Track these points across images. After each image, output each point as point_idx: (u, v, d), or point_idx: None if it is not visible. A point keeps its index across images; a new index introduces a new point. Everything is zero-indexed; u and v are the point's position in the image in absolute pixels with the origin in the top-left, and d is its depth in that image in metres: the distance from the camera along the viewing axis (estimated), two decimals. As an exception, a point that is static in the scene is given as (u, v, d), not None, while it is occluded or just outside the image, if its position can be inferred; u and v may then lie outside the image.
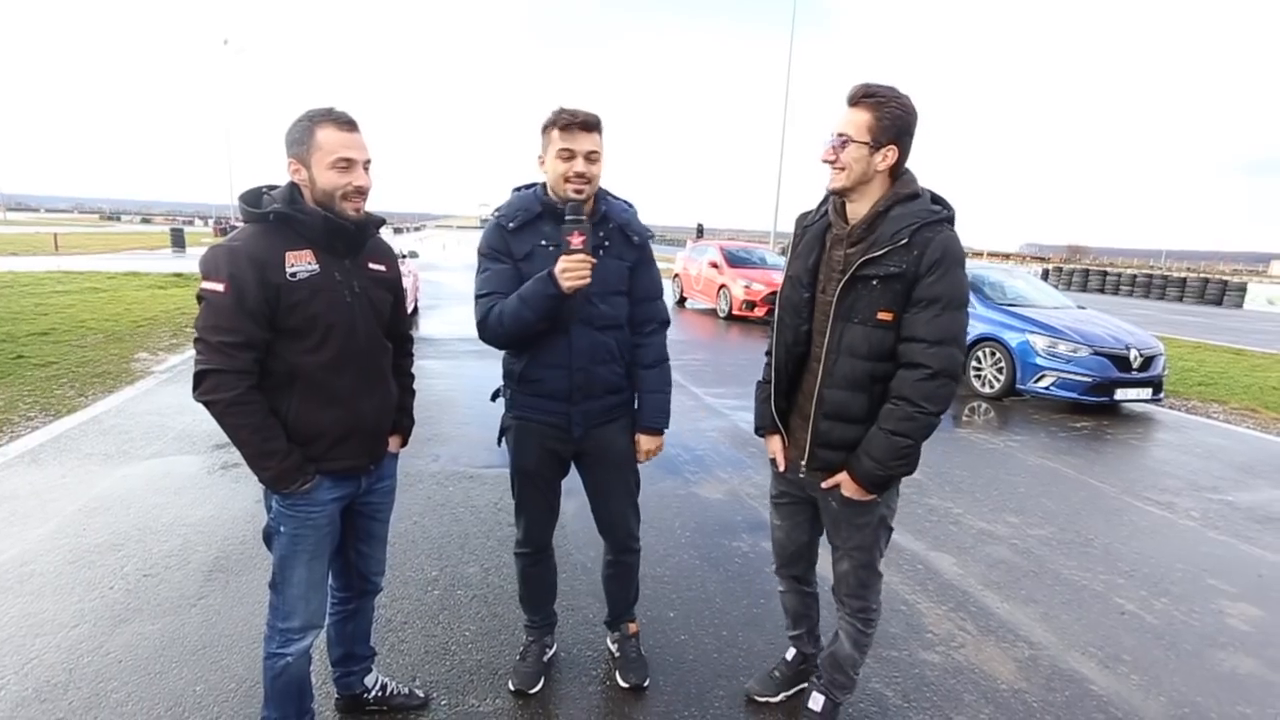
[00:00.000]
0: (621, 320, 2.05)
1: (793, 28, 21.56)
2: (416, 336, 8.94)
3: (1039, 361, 6.73)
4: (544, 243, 1.93)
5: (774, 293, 10.11)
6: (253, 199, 1.66)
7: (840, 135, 1.70)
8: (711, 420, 5.65)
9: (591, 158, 1.87)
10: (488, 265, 1.98)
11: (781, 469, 2.02)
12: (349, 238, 1.69)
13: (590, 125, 1.85)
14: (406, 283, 9.00)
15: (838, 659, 2.08)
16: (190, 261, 20.39)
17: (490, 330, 1.95)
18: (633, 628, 2.41)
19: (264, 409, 1.59)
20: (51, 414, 5.01)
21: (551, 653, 2.40)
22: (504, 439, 2.18)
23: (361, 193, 1.67)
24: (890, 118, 1.67)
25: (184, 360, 7.01)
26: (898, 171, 1.75)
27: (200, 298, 1.55)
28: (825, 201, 1.88)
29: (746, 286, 11.98)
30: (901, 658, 2.54)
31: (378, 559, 2.01)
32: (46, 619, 2.52)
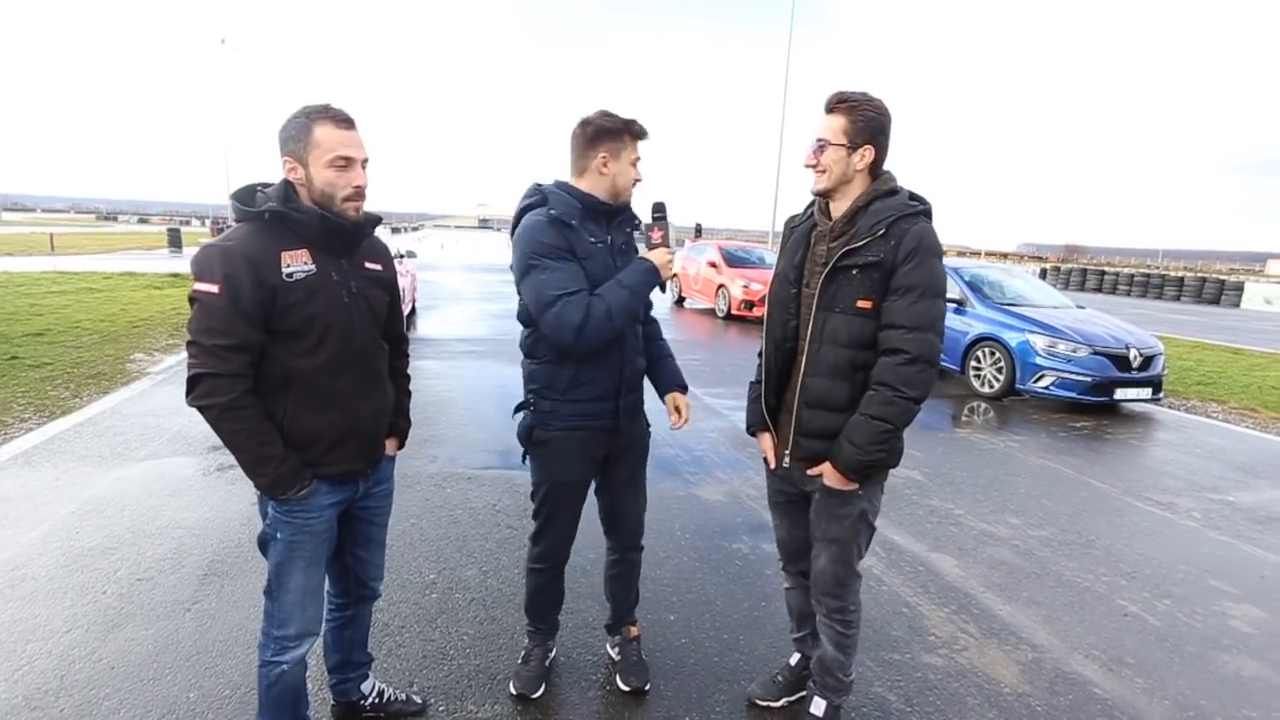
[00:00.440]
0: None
1: (791, 26, 21.54)
2: (414, 337, 8.94)
3: (1039, 361, 6.72)
4: (593, 240, 1.96)
5: (772, 292, 9.86)
6: (246, 197, 1.62)
7: (819, 140, 1.82)
8: (711, 421, 5.62)
9: None
10: (554, 264, 1.86)
11: (772, 466, 2.06)
12: (346, 236, 1.66)
13: (647, 136, 2.01)
14: (404, 283, 8.99)
15: (824, 662, 2.08)
16: (187, 262, 20.30)
17: (596, 329, 1.84)
18: (634, 631, 2.38)
19: (260, 413, 1.56)
20: (45, 415, 4.97)
21: (552, 656, 2.37)
22: (533, 456, 2.09)
23: (361, 193, 1.65)
24: (864, 119, 1.78)
25: (180, 361, 6.96)
26: (877, 171, 1.84)
27: (193, 299, 1.51)
28: (812, 204, 1.97)
29: (745, 286, 11.96)
30: (904, 661, 2.52)
31: (376, 564, 1.98)
32: (38, 624, 2.48)
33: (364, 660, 2.08)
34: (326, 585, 1.87)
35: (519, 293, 1.97)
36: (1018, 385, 6.85)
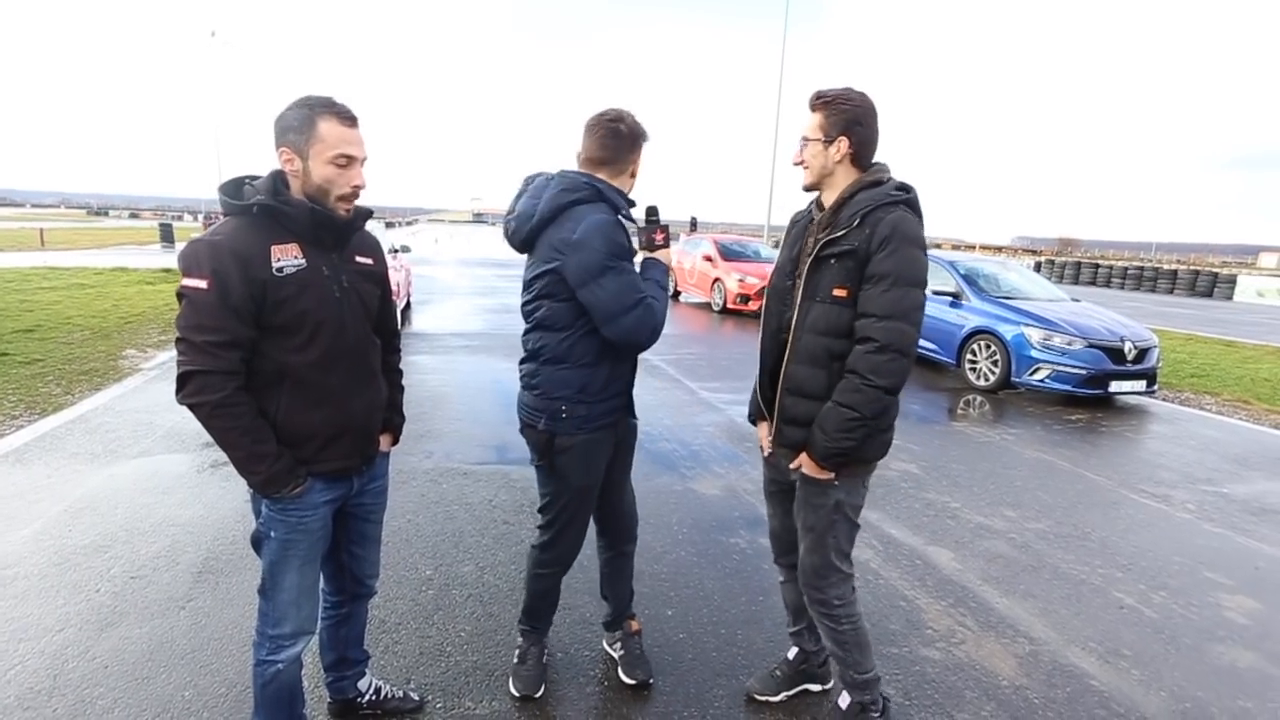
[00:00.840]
0: None
1: (786, 21, 21.47)
2: (409, 332, 8.90)
3: (1034, 354, 6.73)
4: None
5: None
6: (233, 190, 1.59)
7: (802, 138, 1.88)
8: (707, 415, 5.61)
9: None
10: (629, 267, 1.88)
11: (766, 454, 2.09)
12: (336, 230, 1.63)
13: None
14: (399, 278, 8.93)
15: (832, 655, 2.07)
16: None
17: (661, 328, 1.92)
18: (634, 625, 2.38)
19: (252, 410, 1.53)
20: (37, 412, 4.93)
21: (547, 653, 2.36)
22: (553, 466, 2.02)
23: (358, 194, 1.62)
24: (837, 113, 1.81)
25: (173, 357, 6.90)
26: (863, 163, 1.86)
27: (181, 295, 1.48)
28: (815, 199, 2.01)
29: (741, 280, 11.95)
30: (902, 654, 2.52)
31: (371, 561, 1.96)
32: (30, 623, 2.46)
33: (360, 658, 2.07)
34: (321, 583, 1.86)
35: (570, 296, 1.86)
36: (1013, 378, 6.86)
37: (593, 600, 2.70)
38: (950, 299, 7.66)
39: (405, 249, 11.08)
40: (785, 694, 2.24)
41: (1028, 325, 6.88)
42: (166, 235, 27.44)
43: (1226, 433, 6.10)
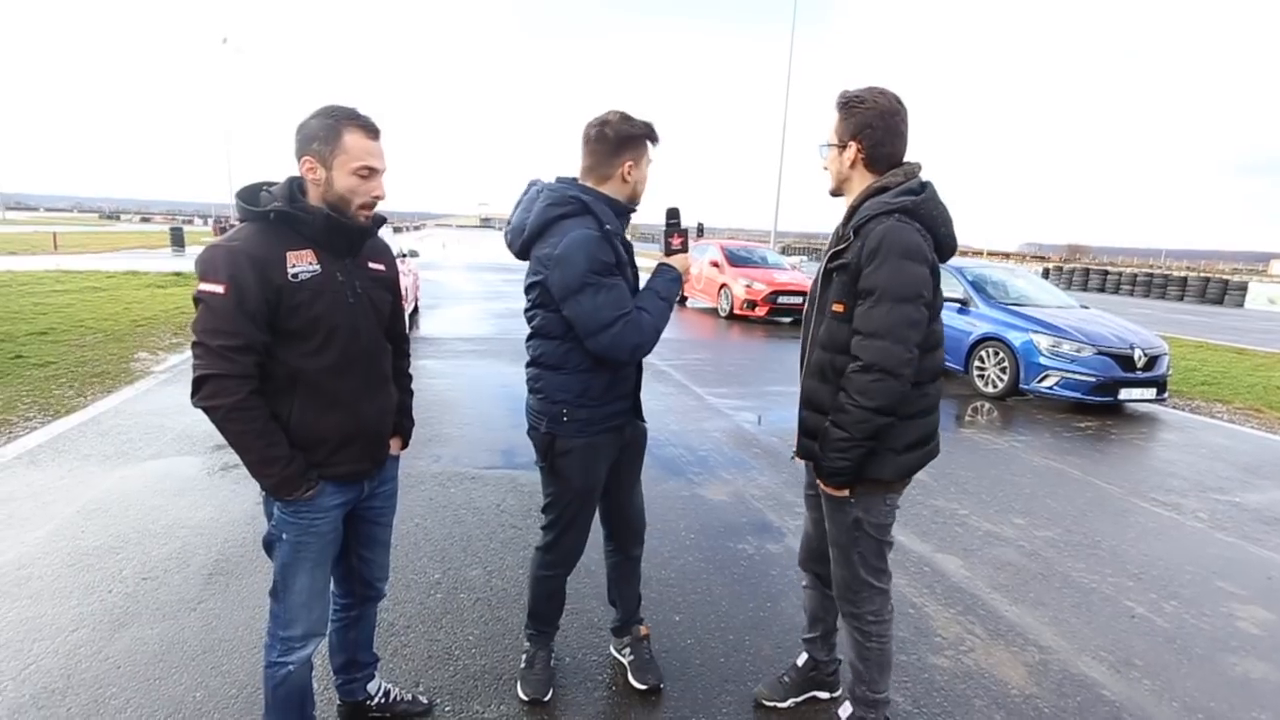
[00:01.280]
0: None
1: (793, 26, 21.51)
2: (417, 336, 8.94)
3: (1043, 361, 6.70)
4: (623, 246, 1.97)
5: (775, 292, 10.04)
6: (250, 196, 1.61)
7: (825, 143, 1.86)
8: (715, 421, 5.61)
9: None
10: (609, 282, 1.83)
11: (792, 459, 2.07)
12: (350, 236, 1.66)
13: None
14: (407, 282, 8.98)
15: (851, 667, 2.05)
16: (190, 261, 20.34)
17: (649, 343, 1.88)
18: (643, 630, 2.38)
19: (266, 414, 1.55)
20: (50, 414, 4.98)
21: (554, 658, 2.36)
22: (554, 468, 2.04)
23: (377, 202, 1.66)
24: (850, 116, 1.78)
25: (184, 360, 6.97)
26: (879, 167, 1.79)
27: (198, 300, 1.50)
28: None
29: (748, 286, 11.94)
30: (910, 662, 2.51)
31: (381, 564, 1.97)
32: (44, 623, 2.48)
33: (369, 660, 2.08)
34: (331, 586, 1.87)
35: (557, 308, 1.87)
36: (1022, 385, 6.83)
37: (600, 605, 2.70)
38: (958, 305, 7.64)
39: (413, 254, 11.15)
40: (793, 700, 2.23)
41: (1036, 332, 6.85)
42: (177, 239, 27.72)
43: (1238, 441, 6.05)
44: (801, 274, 13.00)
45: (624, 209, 1.98)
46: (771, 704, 2.22)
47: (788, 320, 12.31)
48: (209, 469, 4.05)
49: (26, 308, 9.67)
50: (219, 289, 1.48)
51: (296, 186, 1.60)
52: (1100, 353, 6.57)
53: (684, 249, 2.03)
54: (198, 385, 1.51)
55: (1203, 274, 38.08)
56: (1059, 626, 2.81)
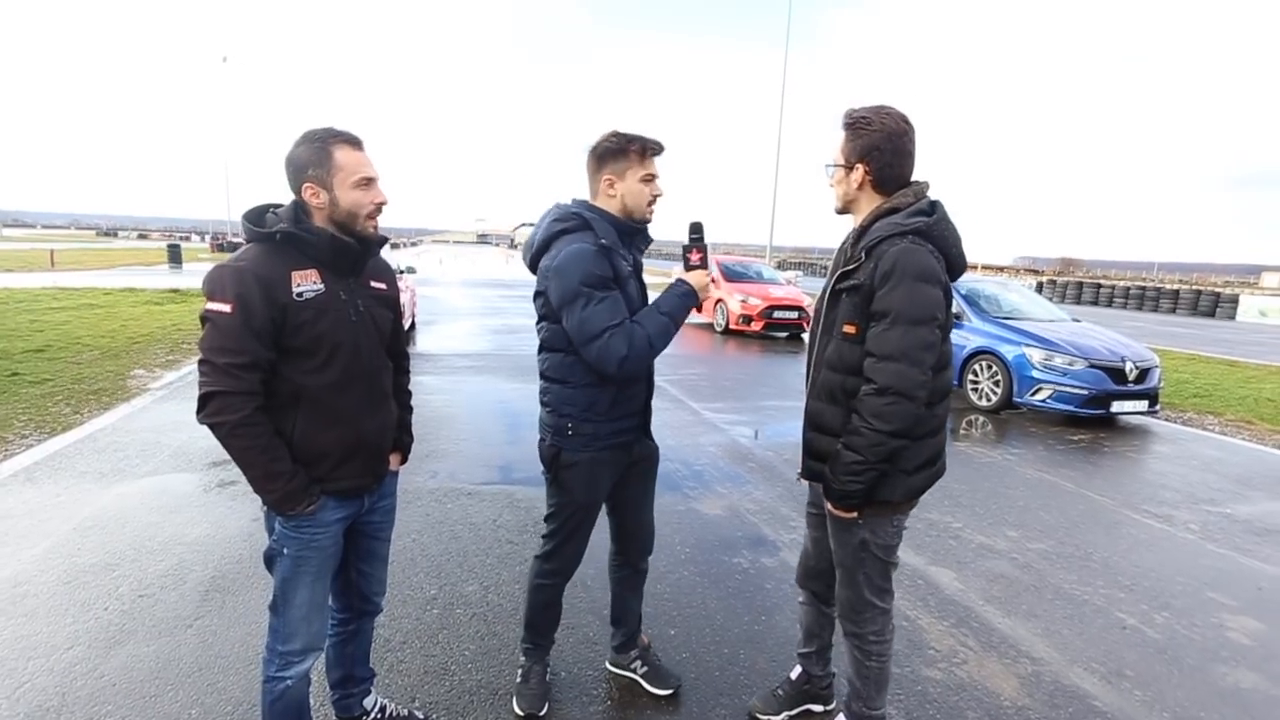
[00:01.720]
0: None
1: (787, 45, 21.85)
2: (414, 352, 8.96)
3: (1035, 374, 6.76)
4: (625, 262, 1.99)
5: (770, 307, 10.09)
6: (257, 218, 1.66)
7: (831, 163, 1.85)
8: (710, 435, 5.64)
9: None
10: (602, 295, 1.85)
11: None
12: (353, 256, 1.70)
13: (661, 151, 2.00)
14: (404, 298, 9.01)
15: (849, 683, 2.06)
16: (187, 277, 20.39)
17: (639, 357, 1.87)
18: (645, 639, 2.41)
19: (270, 430, 1.58)
20: (46, 431, 4.98)
21: (550, 672, 2.37)
22: (558, 480, 2.07)
23: (382, 209, 1.71)
24: (856, 138, 1.78)
25: (180, 377, 6.99)
26: (887, 188, 1.79)
27: (205, 319, 1.54)
28: None
29: (743, 301, 12.02)
30: (904, 674, 2.53)
31: (379, 579, 1.99)
32: (39, 641, 2.49)
33: (366, 675, 2.09)
34: (329, 600, 1.89)
35: (559, 319, 1.91)
36: (1015, 398, 6.88)
37: (596, 620, 2.72)
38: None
39: (410, 270, 11.21)
40: (787, 714, 2.24)
41: (1029, 345, 6.91)
42: (174, 256, 27.72)
43: (1229, 453, 6.10)
44: (797, 289, 13.08)
45: (627, 226, 2.00)
46: (765, 717, 2.23)
47: (783, 335, 12.39)
48: (205, 486, 4.06)
49: (23, 325, 9.68)
50: (226, 308, 1.52)
51: (301, 209, 1.65)
52: (1092, 366, 6.63)
53: (703, 265, 2.00)
54: (204, 402, 1.54)
55: (1195, 287, 38.38)
56: (1051, 638, 2.83)
